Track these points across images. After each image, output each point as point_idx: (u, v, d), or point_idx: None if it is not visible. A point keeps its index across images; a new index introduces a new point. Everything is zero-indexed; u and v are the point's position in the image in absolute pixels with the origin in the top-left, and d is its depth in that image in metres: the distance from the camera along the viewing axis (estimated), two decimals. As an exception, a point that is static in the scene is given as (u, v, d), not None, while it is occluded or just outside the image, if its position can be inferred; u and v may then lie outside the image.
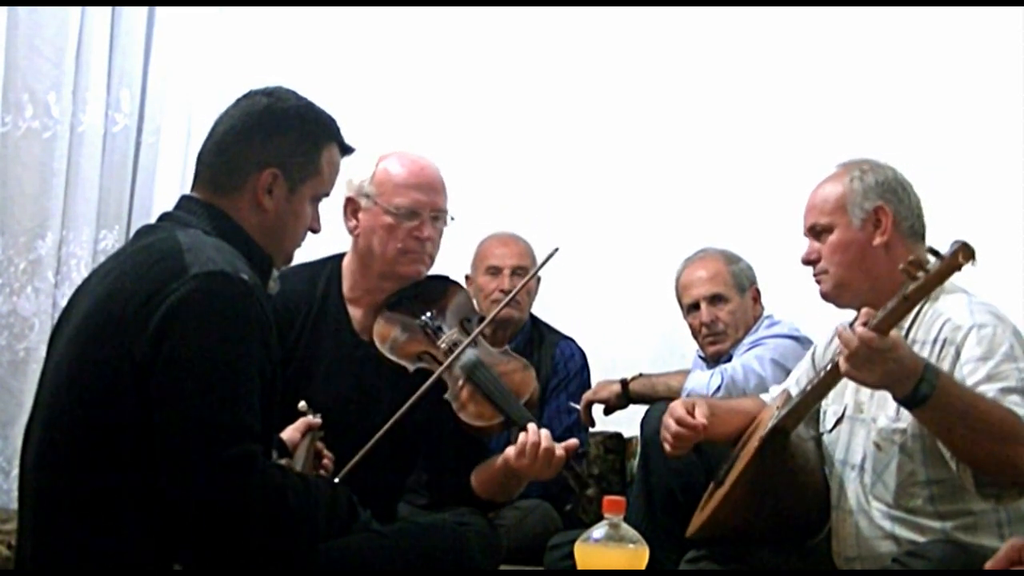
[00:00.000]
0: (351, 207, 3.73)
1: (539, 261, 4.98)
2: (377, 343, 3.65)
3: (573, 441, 3.54)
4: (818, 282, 3.50)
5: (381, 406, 3.51)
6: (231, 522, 2.61)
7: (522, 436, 3.47)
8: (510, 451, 3.48)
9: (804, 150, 5.18)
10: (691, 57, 5.71)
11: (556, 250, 3.68)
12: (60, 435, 2.70)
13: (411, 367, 3.62)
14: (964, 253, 2.82)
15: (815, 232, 3.49)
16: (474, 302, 3.89)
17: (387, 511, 3.55)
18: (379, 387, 3.58)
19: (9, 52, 5.21)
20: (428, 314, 3.72)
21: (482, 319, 3.78)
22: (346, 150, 3.10)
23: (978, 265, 2.83)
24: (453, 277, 3.91)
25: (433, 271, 3.82)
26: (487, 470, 3.62)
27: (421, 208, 3.68)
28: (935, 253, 2.85)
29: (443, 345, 3.67)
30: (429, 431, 3.64)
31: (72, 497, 2.67)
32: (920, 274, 2.86)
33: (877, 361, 2.94)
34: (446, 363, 3.58)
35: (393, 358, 3.63)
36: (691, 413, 3.52)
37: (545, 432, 3.49)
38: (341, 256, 3.79)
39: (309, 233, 3.09)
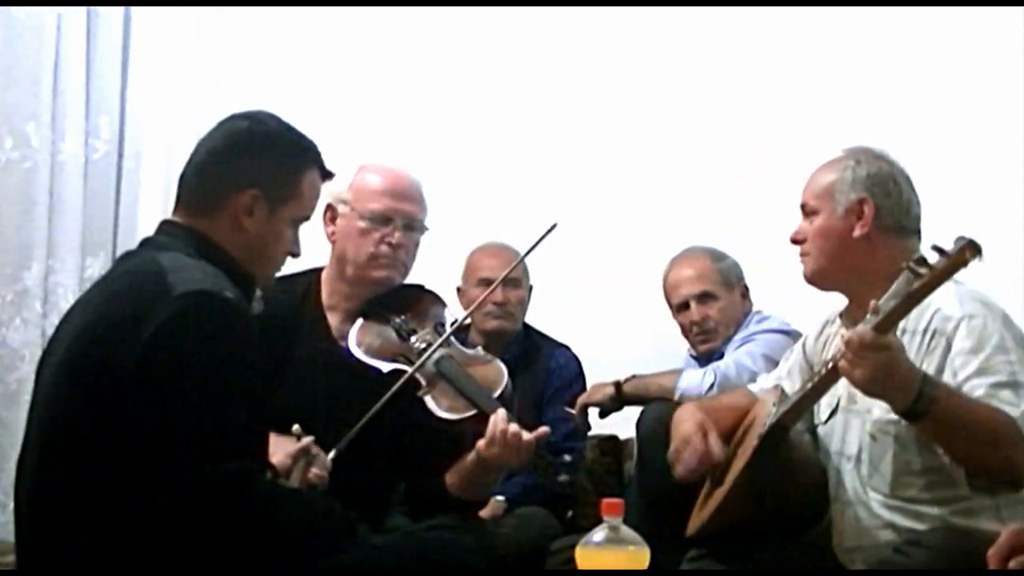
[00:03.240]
0: (330, 213, 3.78)
1: (528, 269, 5.05)
2: (352, 346, 3.68)
3: (543, 428, 3.56)
4: (802, 263, 3.52)
5: (358, 410, 3.52)
6: (230, 538, 2.61)
7: (491, 423, 3.49)
8: (480, 442, 3.51)
9: (791, 147, 5.18)
10: (678, 57, 5.70)
11: (555, 225, 3.72)
12: (54, 464, 2.70)
13: (385, 368, 3.65)
14: (970, 250, 2.81)
15: (804, 211, 3.51)
16: (448, 306, 3.90)
17: (376, 520, 3.55)
18: (356, 391, 3.59)
19: (-14, 85, 5.22)
20: (401, 318, 3.75)
21: (455, 322, 3.80)
22: (326, 175, 3.11)
23: (984, 261, 2.83)
24: (445, 288, 3.92)
25: (430, 283, 3.87)
26: (460, 468, 3.63)
27: (394, 215, 3.72)
28: (940, 251, 2.85)
29: (416, 346, 3.69)
30: (406, 431, 3.64)
31: (70, 527, 2.66)
32: (924, 271, 2.86)
33: (872, 360, 2.94)
34: (419, 361, 3.61)
35: (368, 360, 3.66)
36: (705, 437, 3.52)
37: (514, 425, 3.50)
38: (320, 268, 3.82)
39: (290, 258, 3.11)
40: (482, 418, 3.57)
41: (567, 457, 3.67)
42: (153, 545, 2.62)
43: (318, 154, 3.08)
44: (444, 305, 3.87)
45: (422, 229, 3.79)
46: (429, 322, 3.78)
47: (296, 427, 3.33)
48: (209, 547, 2.62)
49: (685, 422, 3.59)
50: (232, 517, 2.60)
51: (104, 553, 2.64)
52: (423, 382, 3.63)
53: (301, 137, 3.06)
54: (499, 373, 3.72)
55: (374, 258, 3.71)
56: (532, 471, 3.64)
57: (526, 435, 3.49)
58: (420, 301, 3.83)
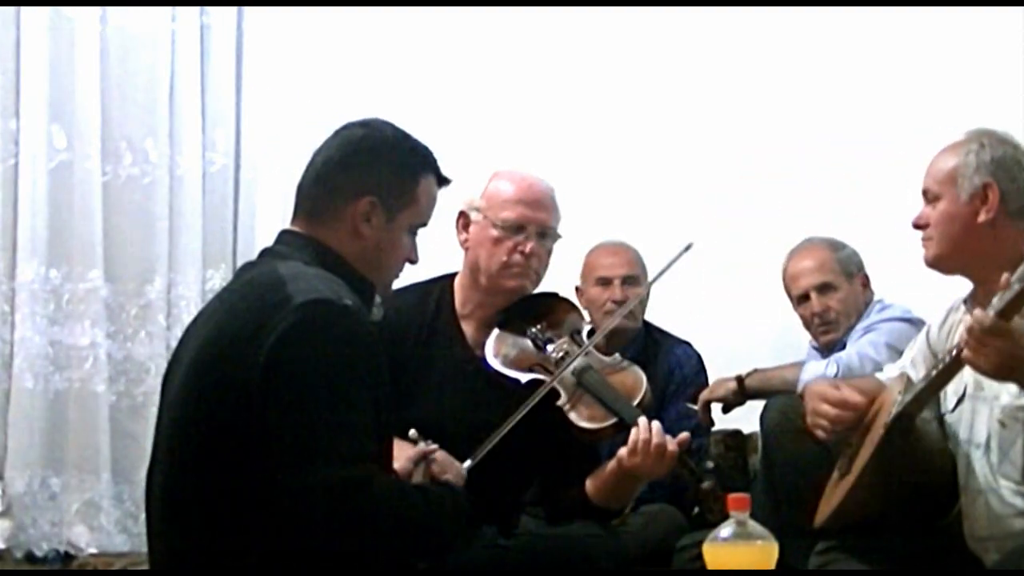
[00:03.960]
0: (463, 220, 3.79)
1: (646, 266, 5.04)
2: (489, 359, 3.68)
3: (684, 435, 3.55)
4: (924, 248, 3.47)
5: (495, 420, 3.51)
6: (352, 540, 2.62)
7: (633, 433, 3.48)
8: (622, 451, 3.50)
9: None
10: (787, 47, 5.68)
11: (690, 245, 3.74)
12: (182, 476, 2.73)
13: (523, 379, 3.64)
14: None
15: (927, 197, 3.46)
16: (584, 314, 3.89)
17: (508, 525, 3.56)
18: (492, 401, 3.59)
19: (104, 102, 5.32)
20: (537, 327, 3.74)
21: (592, 330, 3.79)
22: (443, 181, 3.11)
23: None
24: (563, 288, 3.92)
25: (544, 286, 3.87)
26: (600, 476, 3.63)
27: (527, 223, 3.71)
28: None
29: (554, 356, 3.69)
30: (543, 441, 3.64)
31: (201, 536, 2.70)
32: None
33: (993, 347, 2.90)
34: (558, 372, 3.60)
35: (505, 371, 3.67)
36: (839, 391, 3.50)
37: (656, 426, 3.50)
38: (453, 275, 3.83)
39: (408, 265, 3.11)
40: (622, 426, 3.57)
41: (710, 464, 3.64)
42: (279, 552, 2.64)
43: (434, 160, 3.08)
44: (580, 313, 3.87)
45: (555, 237, 3.79)
46: (565, 331, 3.77)
47: (413, 432, 3.31)
48: (331, 549, 2.64)
49: (813, 389, 3.57)
50: (353, 520, 2.61)
51: (233, 561, 2.66)
52: (562, 393, 3.62)
53: (417, 144, 3.07)
54: (638, 380, 3.71)
55: (507, 267, 3.71)
56: (675, 480, 3.63)
57: (670, 444, 3.48)
58: (556, 310, 3.84)
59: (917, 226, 3.48)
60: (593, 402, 3.61)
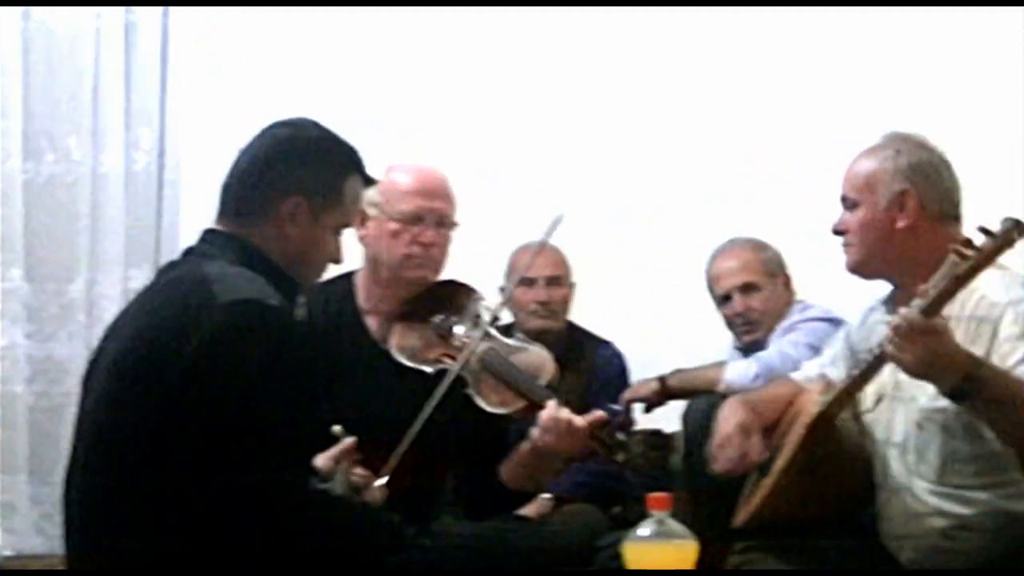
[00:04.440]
0: (361, 216, 3.77)
1: (570, 267, 5.05)
2: (395, 353, 3.70)
3: (598, 413, 3.60)
4: (845, 253, 3.49)
5: (407, 413, 3.52)
6: (277, 547, 2.62)
7: (542, 413, 3.51)
8: (535, 431, 3.53)
9: (819, 138, 5.17)
10: (705, 49, 5.70)
11: (561, 217, 3.74)
12: (102, 478, 2.72)
13: (430, 369, 3.66)
14: (1018, 230, 2.80)
15: (846, 203, 3.48)
16: (484, 297, 3.90)
17: (425, 522, 3.56)
18: (405, 394, 3.59)
19: (27, 99, 5.27)
20: (439, 316, 3.75)
21: (492, 313, 3.80)
22: (368, 181, 3.12)
23: None
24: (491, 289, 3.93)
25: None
26: (515, 460, 3.66)
27: (424, 213, 3.73)
28: (986, 232, 2.83)
29: (457, 343, 3.70)
30: (453, 431, 3.66)
31: (121, 538, 2.68)
32: (970, 253, 2.84)
33: (919, 345, 2.92)
34: (462, 358, 3.61)
35: (412, 364, 3.68)
36: (748, 435, 3.52)
37: (566, 411, 3.53)
38: (353, 272, 3.83)
39: (332, 264, 3.13)
40: (533, 408, 3.59)
41: (621, 436, 3.68)
42: (202, 555, 2.64)
43: (360, 160, 3.08)
44: (479, 297, 3.87)
45: (452, 225, 3.80)
46: (467, 316, 3.78)
47: (336, 428, 3.32)
48: (256, 556, 2.63)
49: (728, 420, 3.58)
50: (279, 526, 2.61)
51: (153, 564, 2.65)
52: (468, 378, 3.64)
53: (343, 143, 3.06)
54: (544, 359, 3.74)
55: (407, 258, 3.72)
56: (590, 456, 3.66)
57: (578, 421, 3.51)
58: (455, 296, 3.84)
59: (837, 232, 3.50)
60: (500, 385, 3.64)
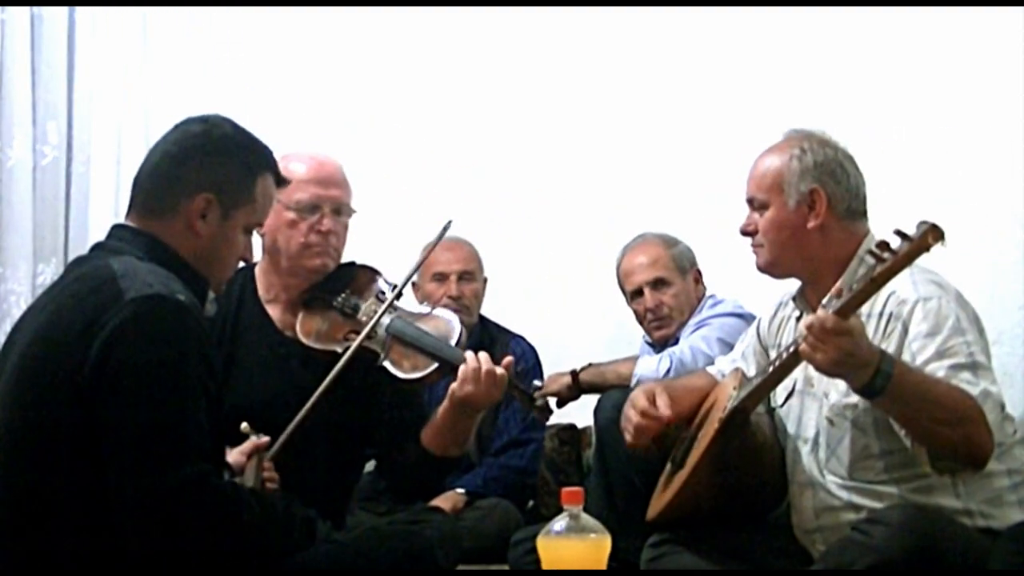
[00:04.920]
0: None
1: (482, 261, 5.06)
2: (302, 338, 3.69)
3: (509, 358, 3.65)
4: (755, 253, 3.51)
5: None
6: (188, 542, 2.61)
7: (463, 365, 3.55)
8: (454, 384, 3.57)
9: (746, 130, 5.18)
10: (627, 43, 5.70)
11: (450, 222, 3.78)
12: (11, 473, 2.69)
13: (339, 348, 3.65)
14: (933, 234, 2.82)
15: (753, 204, 3.50)
16: (380, 279, 3.90)
17: (338, 518, 3.56)
18: (312, 381, 3.58)
19: (-68, 94, 5.19)
20: (342, 296, 3.75)
21: (395, 287, 3.79)
22: (281, 181, 3.11)
23: (947, 246, 2.83)
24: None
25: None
26: (434, 423, 3.67)
27: (321, 202, 3.72)
28: (902, 235, 2.85)
29: (363, 319, 3.71)
30: (369, 410, 3.69)
31: (32, 535, 2.66)
32: (887, 255, 2.86)
33: (834, 344, 2.94)
34: (366, 328, 3.62)
35: (320, 346, 3.68)
36: (652, 402, 3.54)
37: (484, 355, 3.58)
38: (253, 264, 3.80)
39: (242, 263, 3.12)
40: (447, 368, 3.61)
41: (537, 383, 3.71)
42: (115, 551, 2.62)
43: (273, 160, 3.07)
44: (381, 275, 3.87)
45: (350, 213, 3.79)
46: (370, 294, 3.79)
47: (244, 425, 3.31)
48: (169, 551, 2.62)
49: (635, 394, 3.62)
50: (192, 521, 2.60)
51: (66, 561, 2.63)
52: (378, 350, 3.65)
53: (256, 142, 3.05)
54: (450, 322, 3.78)
55: (306, 247, 3.71)
56: (507, 403, 3.68)
57: (499, 369, 3.55)
58: (356, 277, 3.84)
59: (746, 233, 3.52)
60: (411, 352, 3.65)
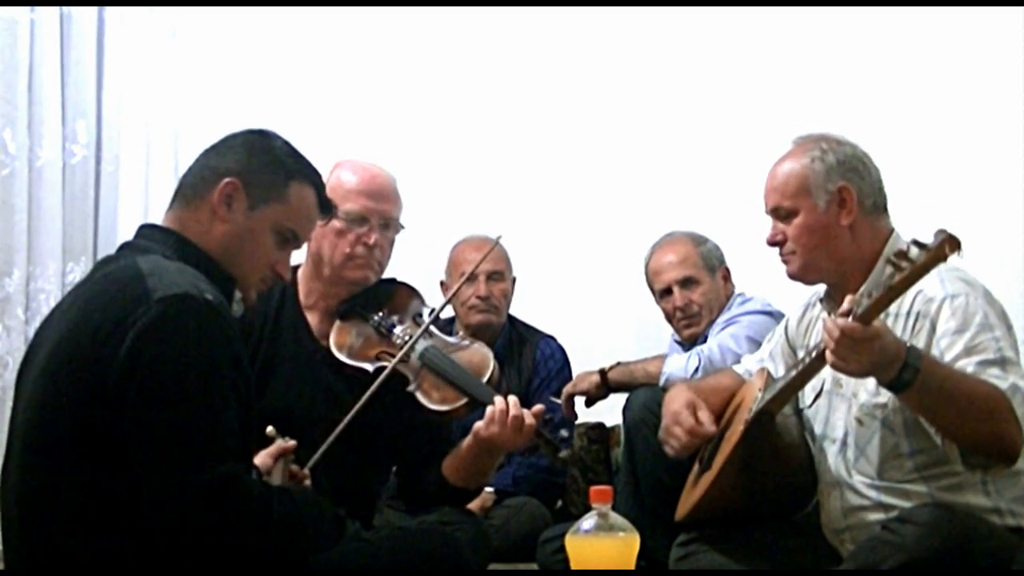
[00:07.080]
0: None
1: (510, 261, 5.06)
2: (334, 351, 3.68)
3: (539, 407, 3.62)
4: (785, 262, 3.48)
5: (347, 408, 3.52)
6: (219, 541, 2.60)
7: (489, 409, 3.54)
8: (479, 424, 3.56)
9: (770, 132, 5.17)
10: (652, 43, 5.70)
11: (500, 237, 3.81)
12: (39, 472, 2.69)
13: (370, 367, 3.65)
14: (950, 244, 2.81)
15: (779, 214, 3.48)
16: (424, 297, 3.89)
17: (366, 518, 3.56)
18: (343, 391, 3.59)
19: (-39, 92, 5.21)
20: (380, 314, 3.74)
21: (433, 311, 3.79)
22: (325, 205, 3.06)
23: (964, 256, 2.82)
24: (428, 282, 3.92)
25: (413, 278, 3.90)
26: (457, 455, 3.68)
27: (370, 214, 3.70)
28: (920, 245, 2.84)
29: (398, 341, 3.70)
30: (396, 429, 3.68)
31: (59, 535, 2.65)
32: (905, 264, 2.85)
33: (861, 351, 2.93)
34: (400, 354, 3.62)
35: (351, 362, 3.67)
36: (696, 417, 3.54)
37: (513, 399, 3.57)
38: (296, 267, 3.78)
39: (277, 280, 3.05)
40: (474, 405, 3.60)
41: (564, 432, 3.70)
42: (144, 551, 2.61)
43: (316, 176, 3.04)
44: (420, 296, 3.87)
45: (398, 228, 3.78)
46: (408, 315, 3.78)
47: (270, 428, 3.27)
48: (201, 549, 2.61)
49: (674, 401, 3.61)
50: (223, 520, 2.58)
51: (94, 561, 2.63)
52: (410, 376, 3.64)
53: (299, 154, 3.02)
54: (484, 357, 3.75)
55: (350, 258, 3.70)
56: (532, 451, 3.68)
57: (528, 416, 3.53)
58: (396, 295, 3.83)
59: (773, 243, 3.50)
60: (442, 383, 3.65)
